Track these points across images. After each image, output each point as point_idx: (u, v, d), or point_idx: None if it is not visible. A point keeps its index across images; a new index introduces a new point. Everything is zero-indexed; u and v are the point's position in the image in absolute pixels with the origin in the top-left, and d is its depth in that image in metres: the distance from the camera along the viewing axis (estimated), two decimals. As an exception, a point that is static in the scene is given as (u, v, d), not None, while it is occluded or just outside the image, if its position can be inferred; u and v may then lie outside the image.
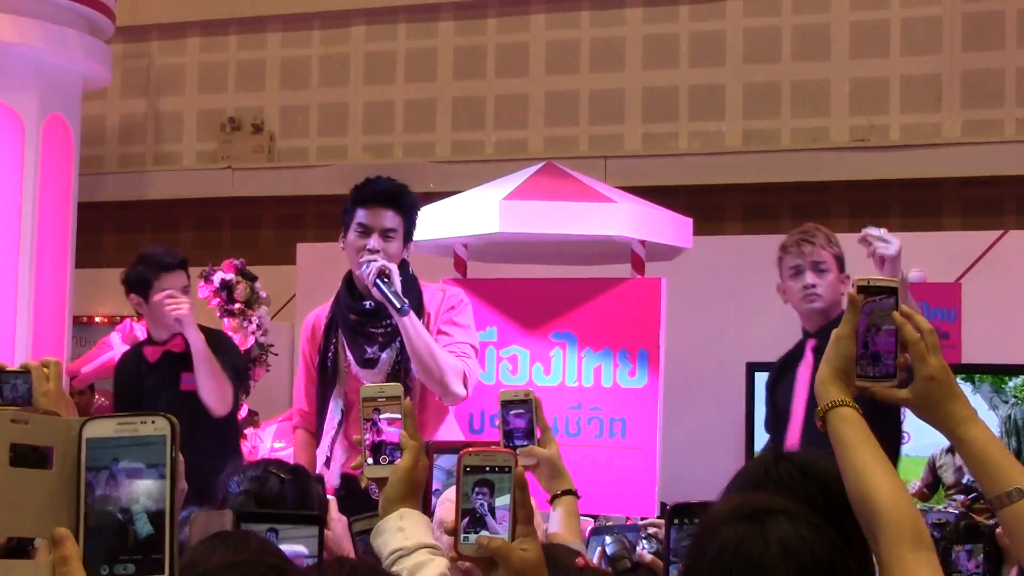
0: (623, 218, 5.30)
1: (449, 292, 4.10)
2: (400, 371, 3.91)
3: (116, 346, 6.65)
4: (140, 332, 6.75)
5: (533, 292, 5.33)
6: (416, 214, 4.00)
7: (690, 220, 5.73)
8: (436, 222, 5.34)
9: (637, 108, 8.23)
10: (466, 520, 1.72)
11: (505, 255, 5.94)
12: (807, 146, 7.87)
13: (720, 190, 7.98)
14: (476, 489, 1.73)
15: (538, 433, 2.59)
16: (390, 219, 3.92)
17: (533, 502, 1.78)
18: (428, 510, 2.68)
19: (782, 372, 4.37)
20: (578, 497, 2.63)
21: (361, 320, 3.96)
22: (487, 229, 5.24)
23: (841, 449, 1.83)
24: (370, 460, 2.17)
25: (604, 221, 5.26)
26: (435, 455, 2.89)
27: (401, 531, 2.05)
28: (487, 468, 1.73)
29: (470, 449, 1.77)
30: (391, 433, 2.16)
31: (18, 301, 6.93)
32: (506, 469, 1.73)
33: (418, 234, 5.44)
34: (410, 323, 3.77)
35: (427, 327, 3.94)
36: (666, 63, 8.19)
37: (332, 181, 8.61)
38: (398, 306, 3.72)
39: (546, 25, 8.44)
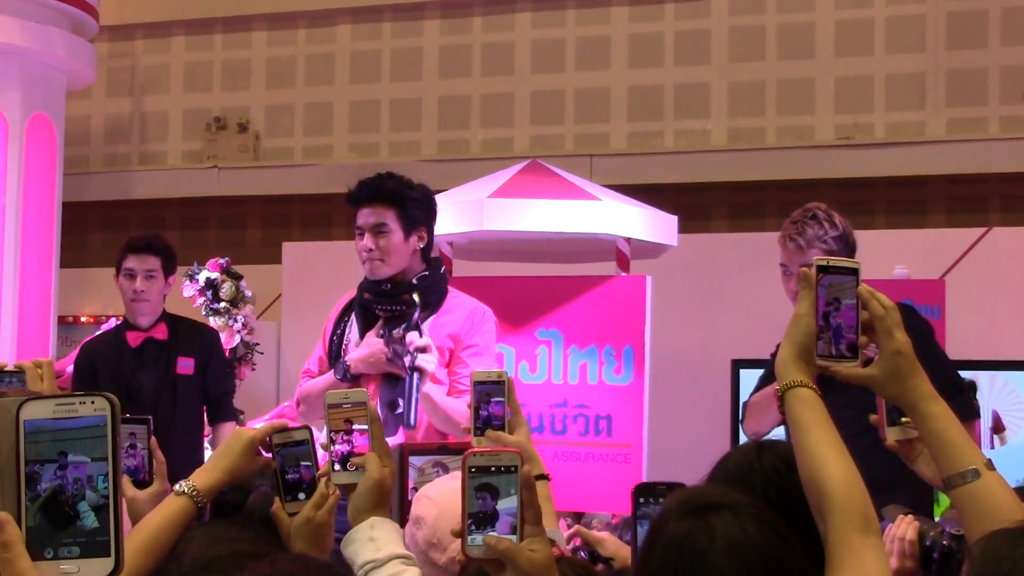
0: (608, 216, 5.30)
1: (478, 316, 3.96)
2: (412, 364, 3.81)
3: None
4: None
5: (518, 290, 5.33)
6: (413, 199, 3.94)
7: (675, 218, 5.74)
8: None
9: (623, 106, 8.24)
10: (472, 521, 1.69)
11: (490, 253, 5.95)
12: (792, 144, 7.89)
13: (706, 188, 7.99)
14: (480, 491, 1.70)
15: (508, 415, 2.56)
16: (378, 214, 3.90)
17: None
18: (405, 513, 2.67)
19: None
20: (550, 480, 2.61)
21: (373, 300, 3.91)
22: (472, 227, 5.25)
23: (796, 430, 1.83)
24: (337, 467, 2.15)
25: (589, 219, 5.27)
26: (410, 457, 2.86)
27: (372, 541, 2.03)
28: (492, 469, 1.70)
29: (474, 449, 1.74)
30: (358, 441, 2.15)
31: (3, 301, 6.91)
32: (512, 469, 1.70)
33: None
34: (423, 389, 3.71)
35: (456, 335, 3.88)
36: (651, 61, 8.20)
37: (318, 180, 8.61)
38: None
39: (532, 24, 8.45)
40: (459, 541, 2.27)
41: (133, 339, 4.82)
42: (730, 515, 1.59)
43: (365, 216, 3.90)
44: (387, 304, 3.87)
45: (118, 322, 5.16)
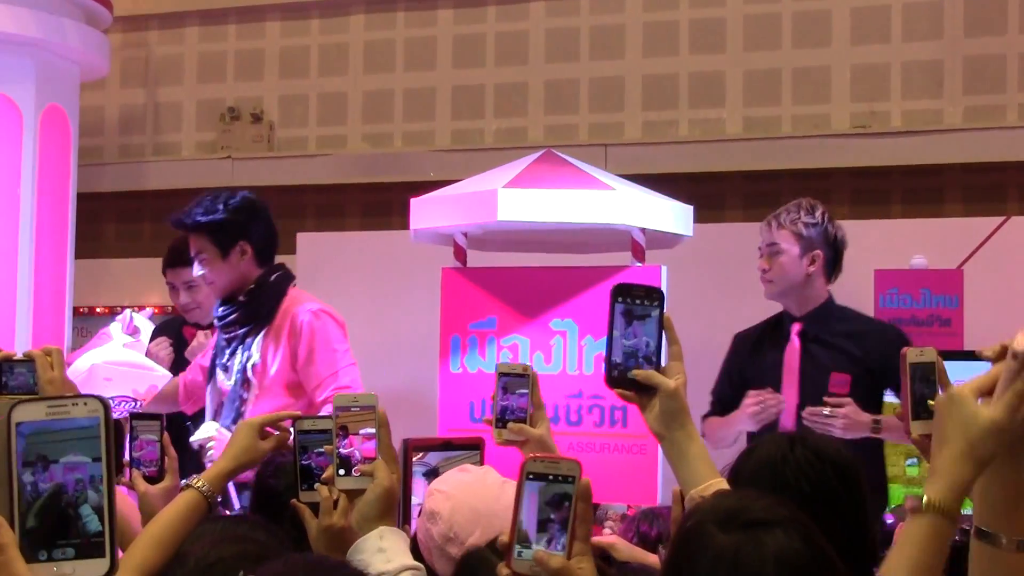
0: (623, 206, 5.28)
1: (307, 325, 4.02)
2: (242, 380, 3.98)
3: (115, 337, 6.63)
4: (140, 323, 6.74)
5: (533, 280, 5.31)
6: (218, 222, 4.00)
7: (691, 207, 5.71)
8: (435, 211, 5.32)
9: (637, 96, 8.20)
10: (528, 533, 1.60)
11: (505, 243, 5.92)
12: (808, 133, 7.85)
13: (721, 177, 7.95)
14: (539, 500, 1.60)
15: (530, 409, 2.54)
16: (197, 243, 4.05)
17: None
18: (407, 513, 2.65)
19: (758, 347, 4.37)
20: None
21: (219, 326, 4.12)
22: (486, 218, 5.22)
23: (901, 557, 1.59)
24: (341, 472, 2.11)
25: (604, 209, 5.24)
26: (414, 452, 2.81)
27: (382, 552, 2.00)
28: (550, 477, 1.61)
29: (534, 456, 1.64)
30: (365, 446, 2.11)
31: (18, 292, 6.92)
32: (569, 479, 1.60)
33: (417, 223, 5.43)
34: None
35: (285, 348, 3.96)
36: (666, 50, 8.17)
37: (332, 170, 8.60)
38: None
39: (546, 13, 8.41)
40: (476, 533, 2.25)
41: (189, 334, 5.02)
42: (781, 533, 1.54)
43: (191, 245, 4.06)
44: (224, 329, 4.05)
45: (132, 314, 5.25)
